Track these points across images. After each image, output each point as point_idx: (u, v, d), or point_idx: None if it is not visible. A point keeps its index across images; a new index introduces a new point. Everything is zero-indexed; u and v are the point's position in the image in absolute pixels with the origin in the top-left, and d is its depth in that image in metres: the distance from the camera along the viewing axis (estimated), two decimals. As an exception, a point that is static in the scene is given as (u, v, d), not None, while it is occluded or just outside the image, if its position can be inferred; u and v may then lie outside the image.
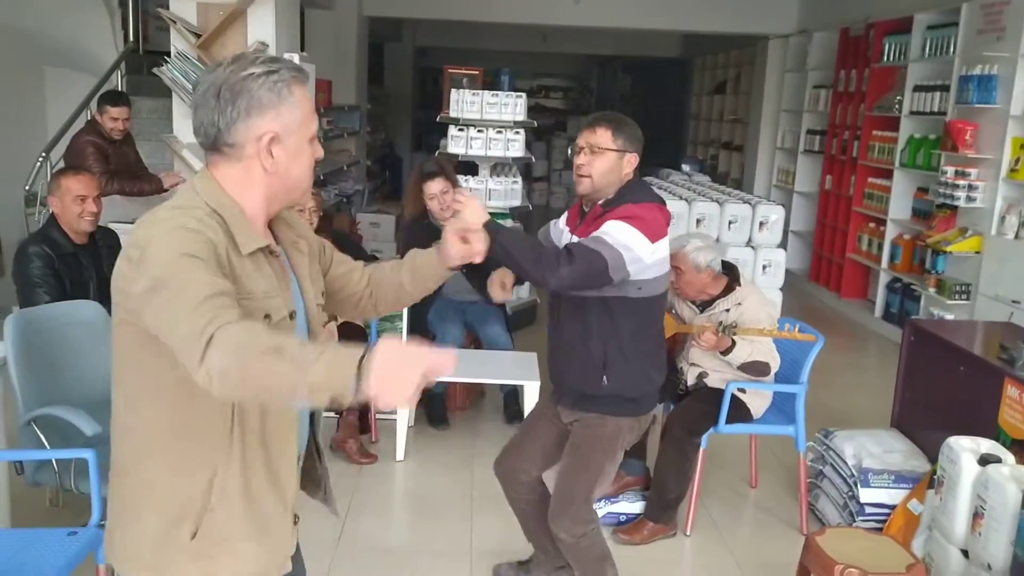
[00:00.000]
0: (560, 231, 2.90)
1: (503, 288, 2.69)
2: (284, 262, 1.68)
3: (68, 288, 3.36)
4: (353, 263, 1.96)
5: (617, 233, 2.56)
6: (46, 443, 2.81)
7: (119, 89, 6.65)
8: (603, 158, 2.66)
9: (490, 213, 4.68)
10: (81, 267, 3.46)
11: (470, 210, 2.12)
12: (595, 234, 2.58)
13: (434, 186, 4.45)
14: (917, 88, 6.79)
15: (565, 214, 2.94)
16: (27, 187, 5.91)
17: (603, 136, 2.67)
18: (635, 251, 2.57)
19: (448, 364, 1.35)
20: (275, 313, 1.57)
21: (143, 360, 1.52)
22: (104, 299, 3.38)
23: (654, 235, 2.62)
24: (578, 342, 2.75)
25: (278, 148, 1.57)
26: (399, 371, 1.30)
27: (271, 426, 1.61)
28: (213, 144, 1.57)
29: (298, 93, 1.58)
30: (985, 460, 2.88)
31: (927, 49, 6.67)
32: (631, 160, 2.69)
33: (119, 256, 1.51)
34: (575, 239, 2.71)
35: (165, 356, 1.41)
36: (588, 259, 2.53)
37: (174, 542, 1.57)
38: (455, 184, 4.61)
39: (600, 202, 2.70)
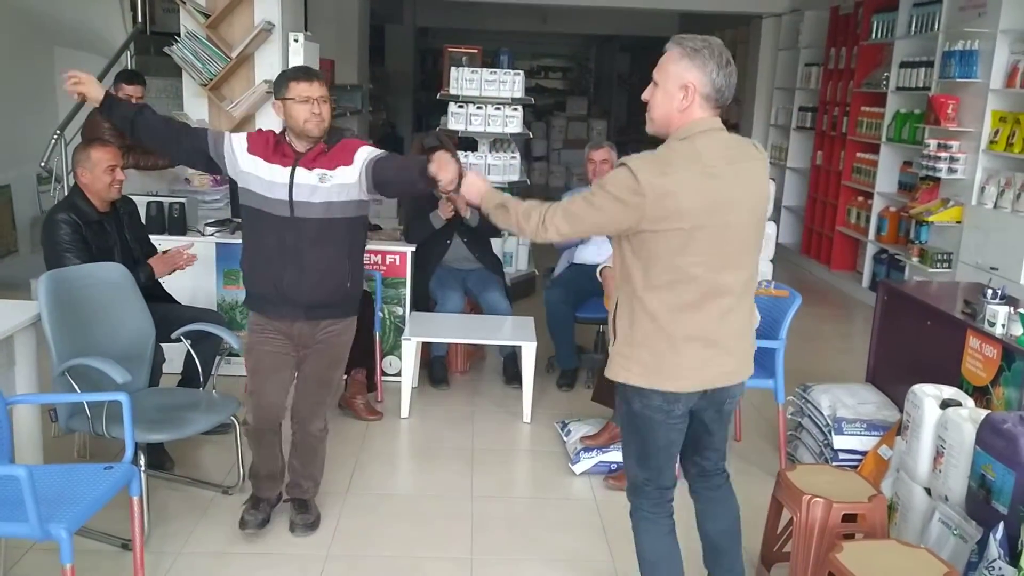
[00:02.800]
0: None
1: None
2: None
3: (94, 252, 3.58)
4: None
5: None
6: (79, 391, 3.05)
7: (133, 68, 6.84)
8: None
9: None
10: (105, 233, 3.68)
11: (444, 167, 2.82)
12: None
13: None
14: (903, 64, 6.99)
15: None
16: (43, 163, 6.12)
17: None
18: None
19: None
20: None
21: None
22: (127, 261, 3.63)
23: (252, 148, 3.10)
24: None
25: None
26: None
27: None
28: None
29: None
30: (946, 404, 3.11)
31: (913, 26, 6.87)
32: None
33: None
34: None
35: None
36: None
37: None
38: (456, 156, 4.82)
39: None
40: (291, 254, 3.04)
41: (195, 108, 5.74)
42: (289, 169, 3.02)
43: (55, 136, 6.14)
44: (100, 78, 6.60)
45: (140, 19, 7.75)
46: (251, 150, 3.07)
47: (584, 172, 5.10)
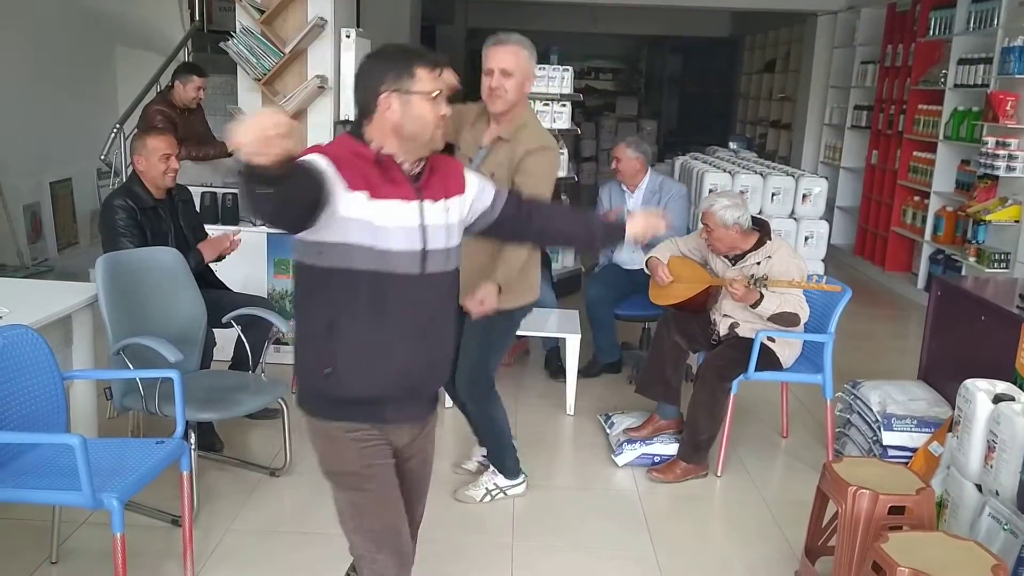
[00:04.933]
0: None
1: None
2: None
3: (149, 238, 3.67)
4: None
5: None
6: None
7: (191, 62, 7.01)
8: None
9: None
10: (160, 219, 3.78)
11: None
12: None
13: None
14: (961, 61, 6.84)
15: None
16: (102, 157, 6.30)
17: None
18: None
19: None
20: None
21: None
22: (181, 248, 3.71)
23: (350, 179, 1.95)
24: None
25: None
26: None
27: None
28: None
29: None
30: (999, 399, 3.04)
31: (971, 22, 6.72)
32: None
33: None
34: None
35: None
36: None
37: None
38: None
39: None
40: (421, 329, 2.10)
41: (249, 103, 5.84)
42: (416, 204, 2.04)
43: (114, 130, 6.32)
44: (158, 75, 6.83)
45: (197, 17, 7.93)
46: (351, 184, 1.94)
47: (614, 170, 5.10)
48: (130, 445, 2.76)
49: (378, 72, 2.01)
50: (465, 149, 3.26)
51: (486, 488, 3.55)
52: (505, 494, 3.56)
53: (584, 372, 4.88)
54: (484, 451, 3.65)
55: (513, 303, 3.19)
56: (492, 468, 3.58)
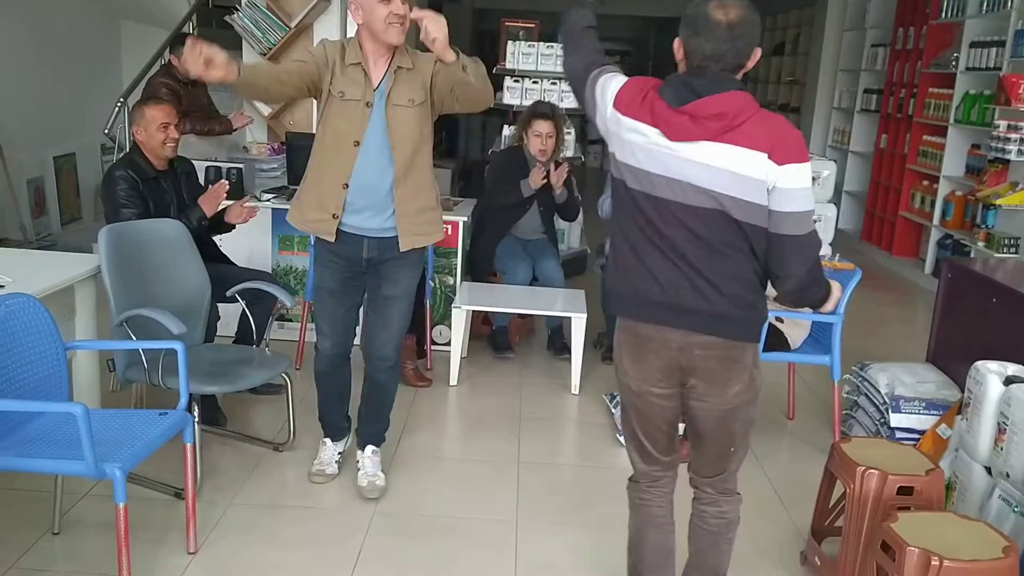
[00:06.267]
0: None
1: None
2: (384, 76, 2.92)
3: (151, 208, 3.64)
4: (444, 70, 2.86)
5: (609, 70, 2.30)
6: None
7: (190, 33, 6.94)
8: None
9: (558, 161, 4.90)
10: (163, 190, 3.74)
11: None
12: None
13: (543, 126, 4.71)
14: (974, 44, 6.77)
15: None
16: (106, 131, 6.25)
17: None
18: (604, 87, 2.23)
19: None
20: (347, 93, 2.90)
21: None
22: (183, 220, 3.68)
23: (616, 97, 2.19)
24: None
25: (359, 9, 2.83)
26: None
27: (334, 159, 2.96)
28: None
29: None
30: (1010, 381, 3.01)
31: (984, 5, 6.65)
32: None
33: None
34: None
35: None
36: (588, 59, 2.38)
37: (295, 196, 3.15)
38: (560, 132, 4.86)
39: None
40: None
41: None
42: None
43: (118, 104, 6.26)
44: (162, 49, 6.76)
45: (202, -8, 7.83)
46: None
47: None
48: (133, 416, 2.74)
49: None
50: (352, 93, 2.93)
51: (381, 469, 3.38)
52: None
53: (605, 355, 4.84)
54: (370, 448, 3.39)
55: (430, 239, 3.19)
56: (374, 449, 3.38)
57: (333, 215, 2.99)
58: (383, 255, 3.08)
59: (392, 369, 3.25)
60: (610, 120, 2.20)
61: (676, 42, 2.16)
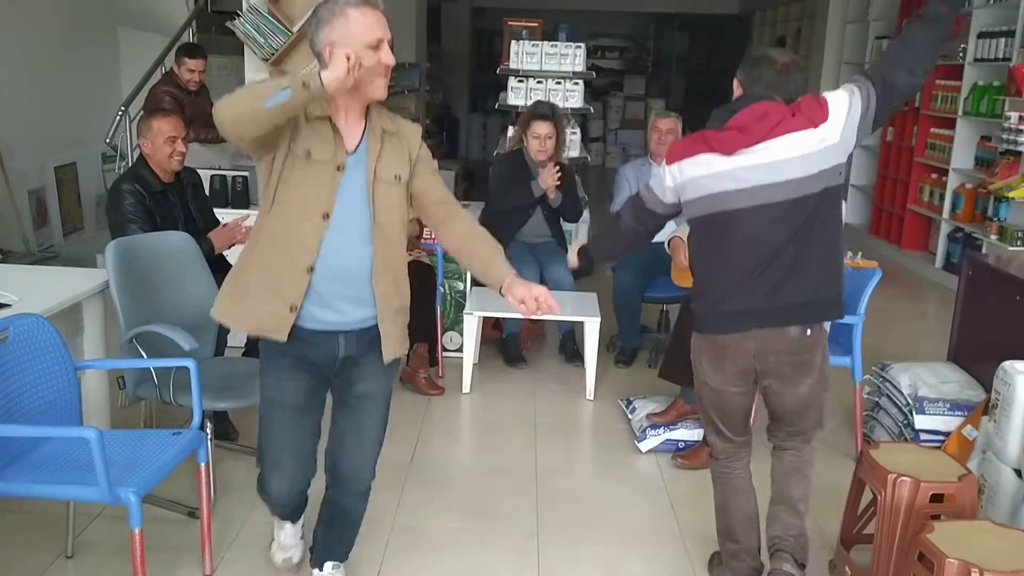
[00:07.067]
0: None
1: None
2: (363, 137, 2.30)
3: (158, 222, 3.57)
4: (437, 194, 2.46)
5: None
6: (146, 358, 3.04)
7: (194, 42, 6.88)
8: None
9: (559, 163, 4.83)
10: (169, 203, 3.67)
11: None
12: None
13: (541, 128, 4.65)
14: (982, 35, 6.70)
15: None
16: (107, 140, 6.19)
17: None
18: (657, 175, 2.68)
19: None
20: (315, 152, 2.22)
21: None
22: (191, 232, 3.61)
23: (668, 158, 2.61)
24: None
25: (332, 51, 2.15)
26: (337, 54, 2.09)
27: (294, 234, 2.25)
28: (315, 55, 2.23)
29: (352, 14, 2.17)
30: (1039, 381, 2.95)
31: (993, -6, 6.58)
32: None
33: None
34: None
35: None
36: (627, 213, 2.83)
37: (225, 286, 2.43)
38: (561, 132, 4.79)
39: None
40: None
41: (256, 84, 5.73)
42: None
43: (119, 113, 6.20)
44: (162, 57, 6.70)
45: (201, -2, 7.79)
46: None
47: (646, 141, 4.97)
48: (146, 437, 2.68)
49: None
50: (321, 152, 2.25)
51: None
52: None
53: (618, 358, 4.85)
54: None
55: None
56: (335, 564, 2.67)
57: (291, 307, 2.26)
58: (363, 352, 2.38)
59: (366, 493, 2.57)
60: (672, 176, 2.57)
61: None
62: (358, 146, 2.29)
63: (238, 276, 2.38)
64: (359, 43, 2.14)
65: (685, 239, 3.93)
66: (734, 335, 2.53)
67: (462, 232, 2.47)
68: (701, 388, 2.71)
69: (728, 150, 2.44)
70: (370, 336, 2.37)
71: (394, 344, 2.40)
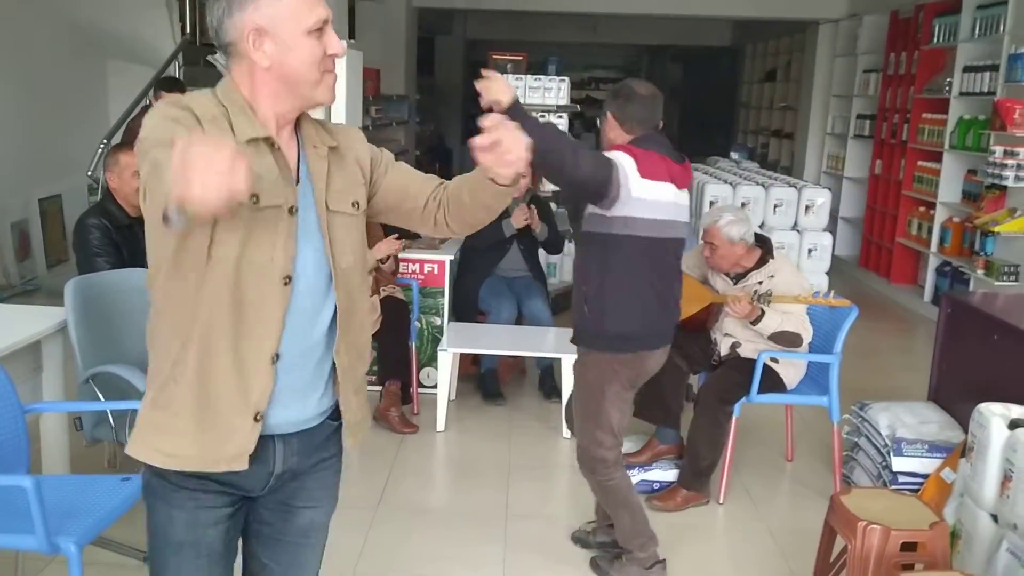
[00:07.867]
0: None
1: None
2: (300, 160, 1.65)
3: (126, 256, 3.53)
4: (420, 177, 1.85)
5: (614, 153, 2.78)
6: (103, 399, 2.97)
7: (173, 76, 6.88)
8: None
9: (536, 197, 4.84)
10: (137, 238, 3.62)
11: (495, 87, 2.62)
12: None
13: None
14: (967, 69, 6.70)
15: None
16: (89, 173, 6.16)
17: None
18: (626, 169, 2.70)
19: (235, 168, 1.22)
20: (264, 196, 1.53)
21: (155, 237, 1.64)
22: (158, 268, 3.56)
23: (645, 172, 2.74)
24: (577, 276, 2.99)
25: (267, 42, 1.53)
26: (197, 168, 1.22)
27: (248, 314, 1.57)
28: (221, 46, 1.58)
29: None
30: (1015, 424, 2.88)
31: (977, 29, 6.59)
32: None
33: None
34: None
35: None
36: (603, 158, 2.73)
37: (145, 408, 1.67)
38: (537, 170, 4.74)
39: None
40: None
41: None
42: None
43: (102, 145, 6.18)
44: (147, 90, 6.69)
45: (189, 30, 7.79)
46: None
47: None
48: (94, 483, 2.60)
49: None
50: (271, 196, 1.58)
51: None
52: None
53: None
54: None
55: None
56: None
57: (255, 416, 1.62)
58: (304, 460, 1.74)
59: None
60: (635, 187, 2.71)
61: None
62: (297, 173, 1.65)
63: (157, 398, 1.64)
64: (296, 28, 1.54)
65: None
66: (662, 349, 3.01)
67: (457, 192, 1.81)
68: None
69: (681, 186, 2.88)
70: (318, 438, 1.74)
71: (357, 428, 1.79)
